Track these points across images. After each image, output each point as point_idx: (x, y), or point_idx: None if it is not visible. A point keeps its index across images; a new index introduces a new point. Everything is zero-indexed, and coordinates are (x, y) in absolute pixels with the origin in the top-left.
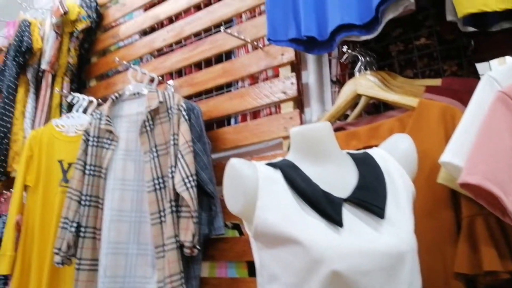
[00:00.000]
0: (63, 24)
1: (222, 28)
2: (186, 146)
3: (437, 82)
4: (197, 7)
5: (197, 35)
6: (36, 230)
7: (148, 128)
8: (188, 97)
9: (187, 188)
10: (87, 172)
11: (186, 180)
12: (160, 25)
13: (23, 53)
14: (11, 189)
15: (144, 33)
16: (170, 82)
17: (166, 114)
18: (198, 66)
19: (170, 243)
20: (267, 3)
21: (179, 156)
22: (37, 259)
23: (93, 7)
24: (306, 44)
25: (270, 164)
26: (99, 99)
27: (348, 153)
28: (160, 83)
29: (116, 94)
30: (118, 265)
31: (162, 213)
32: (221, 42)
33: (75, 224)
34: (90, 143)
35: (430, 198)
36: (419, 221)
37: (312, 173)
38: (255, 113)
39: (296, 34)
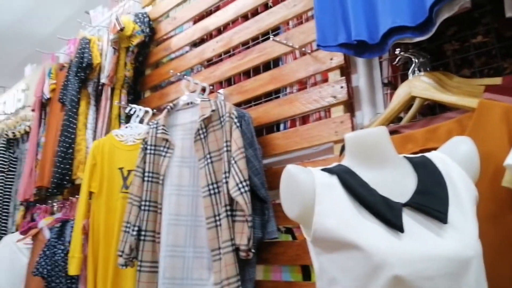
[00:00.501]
0: (120, 40)
1: (271, 37)
2: (239, 152)
3: (497, 81)
4: (245, 17)
5: (245, 44)
6: (101, 233)
7: (202, 135)
8: (238, 105)
9: (241, 193)
10: (146, 178)
11: (240, 185)
12: (209, 36)
13: (84, 68)
14: (76, 196)
15: (194, 44)
16: (221, 91)
17: (219, 122)
18: (246, 74)
19: (226, 247)
20: (316, 9)
21: (232, 162)
22: (103, 261)
23: (146, 22)
24: (356, 48)
25: (325, 170)
26: (154, 109)
27: (405, 157)
28: (211, 92)
29: (171, 104)
30: (176, 267)
31: (217, 217)
32: (269, 49)
33: (136, 228)
34: (148, 151)
35: (494, 202)
36: (482, 225)
37: (369, 178)
38: (304, 118)
39: (346, 39)
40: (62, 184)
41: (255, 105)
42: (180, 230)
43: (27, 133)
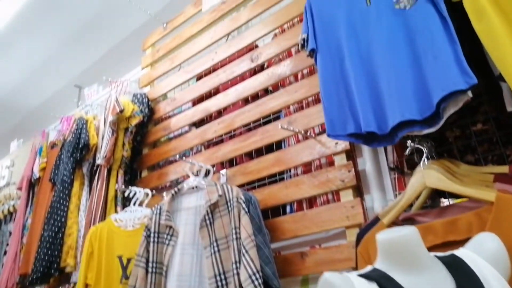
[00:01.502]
0: (118, 121)
1: (280, 125)
2: (249, 240)
3: (504, 169)
4: (245, 100)
5: (246, 125)
6: None
7: (208, 221)
8: (241, 186)
9: (255, 286)
10: (150, 269)
11: (254, 278)
12: (209, 117)
13: (81, 149)
14: (67, 285)
15: (193, 124)
16: (223, 171)
17: (226, 207)
18: (248, 155)
19: None
20: (323, 100)
21: (243, 251)
22: None
23: (145, 103)
24: (365, 138)
25: (363, 276)
26: (153, 189)
27: (436, 256)
28: (213, 173)
29: (176, 189)
30: None
31: None
32: (272, 132)
33: None
34: (152, 239)
35: None
36: None
37: (408, 283)
38: (311, 200)
39: (355, 129)
40: (48, 273)
41: (259, 186)
42: None
43: (10, 213)
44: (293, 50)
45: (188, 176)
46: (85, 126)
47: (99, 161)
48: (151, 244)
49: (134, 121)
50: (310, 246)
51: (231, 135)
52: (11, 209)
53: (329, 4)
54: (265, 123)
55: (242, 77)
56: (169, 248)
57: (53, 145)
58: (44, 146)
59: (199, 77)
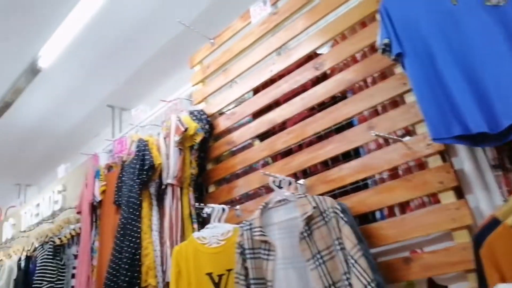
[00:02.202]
0: (183, 140)
1: (372, 133)
2: (356, 250)
3: None
4: (310, 109)
5: (316, 134)
6: None
7: (306, 234)
8: (321, 195)
9: None
10: (252, 286)
11: (369, 287)
12: (272, 128)
13: (147, 170)
14: None
15: (257, 137)
16: (301, 181)
17: (321, 218)
18: (323, 163)
19: None
20: (421, 105)
21: (352, 261)
22: None
23: (204, 119)
24: (471, 139)
25: None
26: (225, 204)
27: None
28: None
29: (264, 203)
30: None
31: None
32: (351, 138)
33: None
34: (248, 256)
35: None
36: None
37: None
38: (402, 205)
39: (462, 131)
40: None
41: (340, 194)
42: None
43: (72, 236)
44: (357, 56)
45: (261, 188)
46: (147, 148)
47: (169, 180)
48: (248, 261)
49: (198, 138)
50: (411, 251)
51: (300, 144)
52: (73, 232)
53: (406, 6)
54: (337, 130)
55: (303, 86)
56: (270, 263)
57: (109, 168)
58: (100, 169)
59: (255, 90)
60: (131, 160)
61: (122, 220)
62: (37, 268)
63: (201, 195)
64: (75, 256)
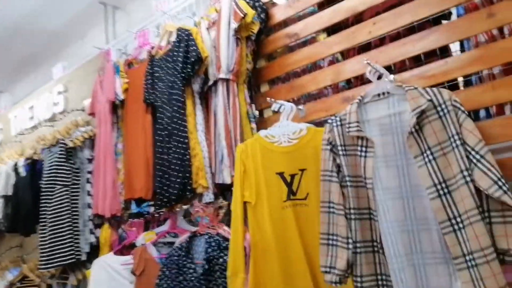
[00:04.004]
0: (240, 29)
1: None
2: (482, 145)
3: None
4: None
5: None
6: (272, 249)
7: (414, 129)
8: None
9: (504, 191)
10: (348, 184)
11: (500, 183)
12: (346, 20)
13: (193, 63)
14: (199, 204)
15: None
16: (391, 77)
17: (435, 112)
18: (415, 58)
19: (487, 255)
20: None
21: (477, 157)
22: (271, 280)
23: (259, 6)
24: None
25: None
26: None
27: None
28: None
29: (360, 97)
30: (412, 277)
31: (456, 220)
32: (463, 28)
33: (351, 240)
34: (341, 152)
35: None
36: None
37: None
38: None
39: None
40: (182, 195)
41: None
42: (404, 237)
43: (84, 140)
44: None
45: (327, 88)
46: (192, 38)
47: (222, 75)
48: (342, 158)
49: (256, 28)
50: None
51: (381, 38)
52: (85, 135)
53: None
54: (435, 20)
55: None
56: (369, 159)
57: (129, 64)
58: (120, 65)
59: None
60: (168, 53)
61: (165, 119)
62: (47, 171)
63: (255, 93)
64: (89, 160)
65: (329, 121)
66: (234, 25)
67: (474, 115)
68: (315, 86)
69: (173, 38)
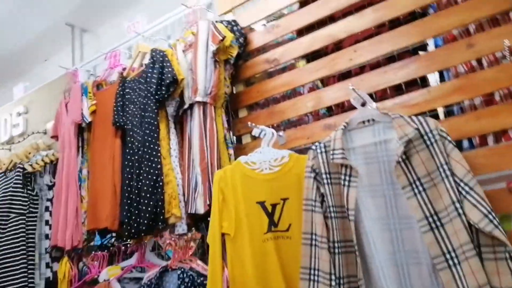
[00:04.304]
0: (218, 52)
1: (506, 42)
2: (471, 177)
3: None
4: (380, 25)
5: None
6: (252, 285)
7: (402, 158)
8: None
9: (495, 226)
10: (332, 214)
11: (490, 217)
12: (325, 48)
13: (167, 85)
14: (171, 236)
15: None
16: (374, 105)
17: (421, 141)
18: (395, 87)
19: None
20: None
21: (466, 189)
22: None
23: (237, 31)
24: None
25: None
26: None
27: None
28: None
29: (345, 123)
30: None
31: (449, 255)
32: (443, 58)
33: (333, 277)
34: (325, 180)
35: None
36: None
37: None
38: (497, 132)
39: None
40: (153, 225)
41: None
42: (394, 271)
43: (45, 165)
44: None
45: (307, 115)
46: (167, 59)
47: (199, 98)
48: (326, 187)
49: (234, 52)
50: (508, 182)
51: (361, 66)
52: (46, 159)
53: None
54: (415, 50)
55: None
56: (352, 190)
57: (98, 85)
58: (88, 86)
59: (303, 1)
60: (140, 75)
61: (136, 143)
62: (1, 198)
63: (232, 119)
64: (49, 187)
65: (313, 147)
66: (213, 47)
67: (457, 145)
68: (296, 112)
69: (147, 59)
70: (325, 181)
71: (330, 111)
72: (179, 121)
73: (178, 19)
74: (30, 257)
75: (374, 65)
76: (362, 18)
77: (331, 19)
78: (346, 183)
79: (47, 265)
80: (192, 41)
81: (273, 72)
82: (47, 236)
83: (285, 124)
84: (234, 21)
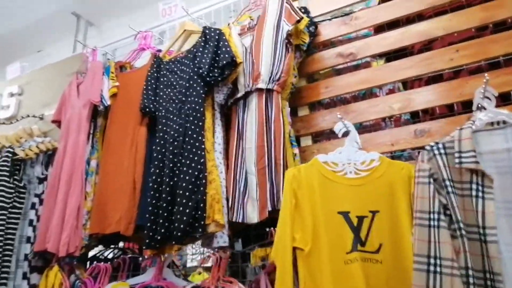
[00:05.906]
0: (291, 35)
1: None
2: None
3: None
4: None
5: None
6: None
7: None
8: None
9: None
10: (461, 232)
11: None
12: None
13: (222, 67)
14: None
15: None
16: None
17: None
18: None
19: None
20: None
21: None
22: None
23: (309, 18)
24: None
25: None
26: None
27: None
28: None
29: (470, 123)
30: None
31: None
32: None
33: None
34: (449, 189)
35: None
36: None
37: None
38: None
39: None
40: (188, 232)
41: None
42: None
43: (37, 154)
44: None
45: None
46: (224, 38)
47: (262, 85)
48: (452, 197)
49: (307, 38)
50: None
51: (456, 71)
52: (42, 147)
53: None
54: None
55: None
56: (489, 202)
57: (121, 67)
58: (111, 66)
59: None
60: (186, 55)
61: (172, 133)
62: None
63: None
64: (40, 180)
65: (428, 147)
66: (288, 27)
67: None
68: (376, 114)
69: (189, 44)
70: (449, 189)
71: (415, 117)
72: (224, 113)
73: (226, 5)
74: (5, 263)
75: (474, 70)
76: (465, 16)
77: (420, 16)
78: (480, 194)
79: (24, 276)
80: (250, 25)
81: (342, 70)
82: (28, 239)
83: (357, 127)
84: (305, 8)
